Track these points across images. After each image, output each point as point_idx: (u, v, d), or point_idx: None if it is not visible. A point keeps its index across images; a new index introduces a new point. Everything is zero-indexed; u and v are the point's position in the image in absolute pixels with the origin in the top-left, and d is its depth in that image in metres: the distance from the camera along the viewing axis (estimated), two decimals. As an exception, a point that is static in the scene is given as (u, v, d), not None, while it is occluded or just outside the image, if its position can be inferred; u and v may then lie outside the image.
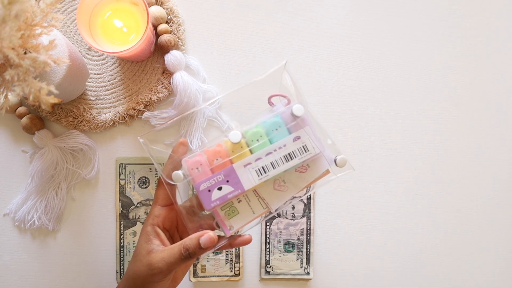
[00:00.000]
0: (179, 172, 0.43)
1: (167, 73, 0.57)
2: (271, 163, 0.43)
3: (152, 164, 0.56)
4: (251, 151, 0.44)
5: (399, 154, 0.60)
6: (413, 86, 0.61)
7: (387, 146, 0.60)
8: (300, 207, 0.59)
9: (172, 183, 0.43)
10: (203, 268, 0.58)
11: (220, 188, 0.43)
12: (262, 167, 0.43)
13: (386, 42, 0.60)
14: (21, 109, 0.55)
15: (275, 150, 0.43)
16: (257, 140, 0.43)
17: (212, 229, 0.46)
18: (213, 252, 0.58)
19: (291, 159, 0.43)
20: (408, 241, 0.61)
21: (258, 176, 0.43)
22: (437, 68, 0.61)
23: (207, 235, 0.42)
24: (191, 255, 0.42)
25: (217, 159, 0.43)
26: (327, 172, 0.45)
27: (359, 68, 0.60)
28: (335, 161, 0.44)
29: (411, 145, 0.61)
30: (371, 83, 0.60)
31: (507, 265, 0.62)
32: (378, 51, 0.60)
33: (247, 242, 0.47)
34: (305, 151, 0.43)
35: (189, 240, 0.42)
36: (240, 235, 0.47)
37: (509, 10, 0.61)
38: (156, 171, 0.57)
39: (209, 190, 0.43)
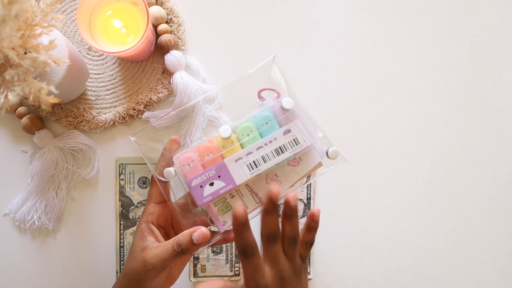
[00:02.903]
0: (171, 169, 0.43)
1: (167, 73, 0.57)
2: (262, 157, 0.43)
3: (155, 162, 0.57)
4: (242, 146, 0.44)
5: (400, 154, 0.60)
6: (413, 84, 0.61)
7: (387, 146, 0.60)
8: (300, 207, 0.59)
9: (164, 180, 0.43)
10: (203, 268, 0.58)
11: (212, 184, 0.43)
12: (253, 162, 0.43)
13: (386, 41, 0.60)
14: (21, 109, 0.55)
15: (265, 144, 0.43)
16: (248, 134, 0.43)
17: (206, 225, 0.46)
18: (213, 252, 0.58)
19: (282, 152, 0.43)
20: (408, 241, 0.61)
21: (250, 170, 0.43)
22: (437, 67, 0.61)
23: (199, 231, 0.42)
24: (184, 251, 0.42)
25: (208, 155, 0.43)
26: (320, 164, 0.45)
27: (359, 68, 0.60)
28: (326, 153, 0.44)
29: (412, 146, 0.61)
30: (373, 82, 0.60)
31: (507, 266, 0.62)
32: (379, 51, 0.60)
33: None
34: (296, 144, 0.43)
35: (182, 236, 0.42)
36: None
37: (509, 10, 0.61)
38: (156, 171, 0.57)
39: (201, 186, 0.43)
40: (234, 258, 0.58)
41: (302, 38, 0.59)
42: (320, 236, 0.59)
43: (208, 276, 0.58)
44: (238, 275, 0.58)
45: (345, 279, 0.60)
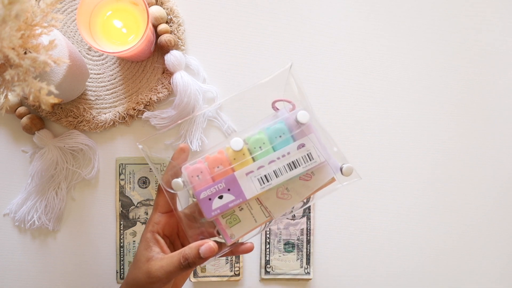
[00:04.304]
0: (179, 180, 0.42)
1: (167, 73, 0.57)
2: (274, 171, 0.42)
3: (156, 164, 0.56)
4: (253, 159, 0.42)
5: (400, 155, 0.60)
6: (413, 84, 0.61)
7: (387, 146, 0.60)
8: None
9: (172, 191, 0.42)
10: (203, 268, 0.58)
11: (221, 197, 0.42)
12: (265, 176, 0.42)
13: (386, 41, 0.60)
14: (21, 109, 0.55)
15: (278, 158, 0.41)
16: (260, 147, 0.42)
17: (213, 236, 0.45)
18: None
19: (295, 167, 0.42)
20: (408, 241, 0.61)
21: (261, 185, 0.42)
22: (438, 67, 0.61)
23: (207, 245, 0.41)
24: (190, 265, 0.41)
25: (218, 167, 0.42)
26: (333, 180, 0.44)
27: (359, 68, 0.60)
28: (341, 169, 0.42)
29: (412, 146, 0.61)
30: (372, 82, 0.60)
31: (507, 266, 0.62)
32: (379, 51, 0.60)
33: (249, 250, 0.46)
34: (310, 160, 0.42)
35: (189, 249, 0.41)
36: (242, 243, 0.46)
37: (510, 10, 0.61)
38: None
39: (210, 199, 0.42)
40: (234, 258, 0.58)
41: (302, 39, 0.59)
42: (320, 236, 0.59)
43: (208, 276, 0.58)
44: (238, 275, 0.58)
45: (345, 279, 0.60)
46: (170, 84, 0.56)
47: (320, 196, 0.45)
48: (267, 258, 0.58)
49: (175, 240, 0.48)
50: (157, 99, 0.57)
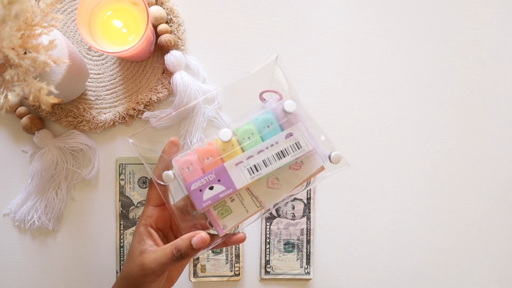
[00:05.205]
0: (170, 172, 0.42)
1: (167, 73, 0.57)
2: (263, 161, 0.42)
3: (154, 164, 0.56)
4: (242, 149, 0.43)
5: (400, 154, 0.60)
6: (413, 85, 0.61)
7: (387, 146, 0.60)
8: (300, 207, 0.59)
9: (163, 183, 0.43)
10: (203, 268, 0.58)
11: (211, 188, 0.42)
12: (254, 166, 0.42)
13: (386, 41, 0.60)
14: (21, 109, 0.55)
15: (267, 148, 0.42)
16: (248, 137, 0.43)
17: (206, 228, 0.45)
18: (213, 252, 0.58)
19: (284, 156, 0.43)
20: (408, 241, 0.61)
21: (250, 174, 0.42)
22: (437, 67, 0.61)
23: (199, 236, 0.41)
24: (183, 256, 0.42)
25: (208, 158, 0.43)
26: (322, 168, 0.44)
27: (359, 68, 0.60)
28: (329, 157, 0.43)
29: (412, 146, 0.61)
30: (372, 82, 0.60)
31: (507, 266, 0.62)
32: (379, 51, 0.60)
33: (241, 240, 0.47)
34: (298, 148, 0.43)
35: (181, 241, 0.42)
36: (234, 234, 0.46)
37: (510, 10, 0.61)
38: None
39: (201, 190, 0.42)
40: (234, 258, 0.58)
41: (302, 38, 0.59)
42: (320, 236, 0.60)
43: (208, 276, 0.58)
44: (238, 275, 0.58)
45: (345, 279, 0.60)
46: (170, 84, 0.56)
47: (319, 180, 0.45)
48: (267, 258, 0.58)
49: (168, 233, 0.48)
50: (157, 99, 0.57)
